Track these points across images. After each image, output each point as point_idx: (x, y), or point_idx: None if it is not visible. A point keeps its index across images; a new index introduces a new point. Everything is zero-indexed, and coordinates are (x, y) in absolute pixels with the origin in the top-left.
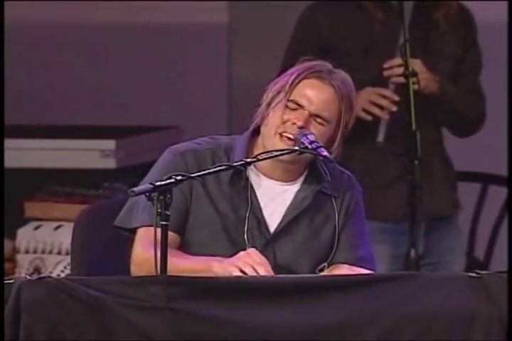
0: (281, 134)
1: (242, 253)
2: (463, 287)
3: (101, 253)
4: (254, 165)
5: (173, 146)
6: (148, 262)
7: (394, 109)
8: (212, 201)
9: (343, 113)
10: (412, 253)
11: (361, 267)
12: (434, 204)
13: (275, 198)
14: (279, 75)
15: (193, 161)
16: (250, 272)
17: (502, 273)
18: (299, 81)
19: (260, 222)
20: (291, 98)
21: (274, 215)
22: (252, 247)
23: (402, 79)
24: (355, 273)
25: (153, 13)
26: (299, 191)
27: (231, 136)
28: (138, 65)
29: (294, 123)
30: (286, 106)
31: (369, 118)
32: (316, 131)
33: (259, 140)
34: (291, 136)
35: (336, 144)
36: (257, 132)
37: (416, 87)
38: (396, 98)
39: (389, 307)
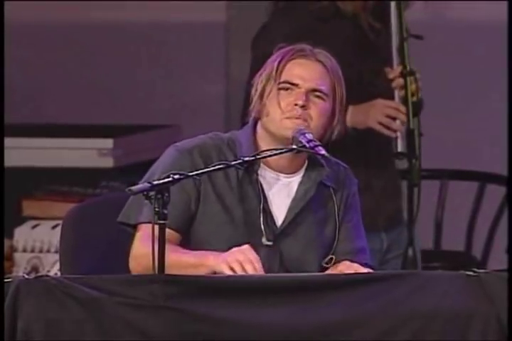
0: (287, 118)
1: (235, 249)
2: (460, 286)
3: (91, 253)
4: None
5: (177, 143)
6: (147, 256)
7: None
8: (219, 196)
9: (336, 86)
10: (410, 251)
11: (360, 257)
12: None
13: (280, 191)
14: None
15: (199, 158)
16: (238, 269)
17: (500, 271)
18: (285, 64)
19: (267, 215)
20: (283, 80)
21: (280, 208)
22: (267, 239)
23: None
24: (354, 270)
25: (151, 12)
26: (301, 183)
27: (230, 132)
28: (136, 63)
29: (296, 104)
30: (280, 90)
31: (387, 132)
32: (317, 109)
33: (261, 132)
34: (299, 117)
35: (335, 120)
36: (255, 125)
37: (415, 99)
38: (404, 111)
39: (386, 307)
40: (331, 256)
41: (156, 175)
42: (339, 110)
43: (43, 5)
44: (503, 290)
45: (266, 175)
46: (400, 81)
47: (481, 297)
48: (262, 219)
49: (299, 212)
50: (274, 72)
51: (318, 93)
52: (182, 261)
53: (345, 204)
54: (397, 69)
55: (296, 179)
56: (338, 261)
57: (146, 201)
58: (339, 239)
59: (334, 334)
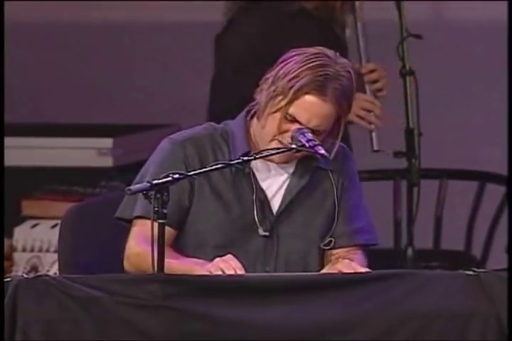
0: (279, 140)
1: (218, 259)
2: (460, 285)
3: (89, 253)
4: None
5: (170, 136)
6: (140, 256)
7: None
8: (216, 190)
9: (343, 115)
10: (409, 251)
11: (358, 238)
12: None
13: (275, 179)
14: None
15: (192, 149)
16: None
17: (499, 271)
18: (301, 95)
19: (264, 204)
20: (291, 112)
21: (275, 196)
22: (263, 230)
23: (378, 86)
24: (353, 269)
25: (150, 12)
26: (295, 169)
27: (223, 122)
28: (135, 63)
29: None
30: (285, 117)
31: (364, 124)
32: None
33: (254, 125)
34: (288, 145)
35: (340, 133)
36: (251, 117)
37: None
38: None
39: (385, 306)
40: (330, 239)
41: (151, 168)
42: (344, 124)
43: (41, 5)
44: (502, 290)
45: (258, 166)
46: (371, 76)
47: (480, 296)
48: (255, 210)
49: (294, 197)
50: (290, 94)
51: (317, 132)
52: (170, 268)
53: (343, 184)
54: (367, 65)
55: (291, 166)
56: (335, 247)
57: (141, 195)
58: (337, 222)
59: (333, 334)
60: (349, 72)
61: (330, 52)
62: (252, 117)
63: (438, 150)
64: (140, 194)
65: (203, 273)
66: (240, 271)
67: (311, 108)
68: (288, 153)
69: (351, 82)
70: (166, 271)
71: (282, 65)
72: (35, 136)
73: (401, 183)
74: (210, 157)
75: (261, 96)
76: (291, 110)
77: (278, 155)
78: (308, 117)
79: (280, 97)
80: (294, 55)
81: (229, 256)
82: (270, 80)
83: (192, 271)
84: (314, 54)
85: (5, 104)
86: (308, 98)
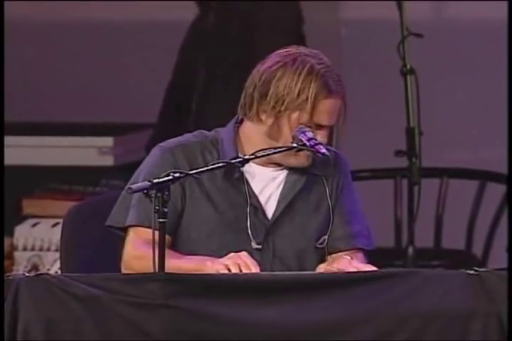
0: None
1: (233, 254)
2: (461, 284)
3: (91, 252)
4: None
5: (160, 143)
6: (142, 259)
7: None
8: (208, 196)
9: (345, 105)
10: (410, 250)
11: (356, 242)
12: None
13: (268, 184)
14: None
15: (182, 156)
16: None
17: (500, 270)
18: (318, 102)
19: (258, 209)
20: (315, 122)
21: (269, 202)
22: (256, 243)
23: None
24: (354, 267)
25: (151, 11)
26: (288, 174)
27: (214, 130)
28: (136, 61)
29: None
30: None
31: None
32: (323, 133)
33: (245, 130)
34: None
35: (343, 118)
36: (241, 122)
37: None
38: None
39: (386, 305)
40: (324, 238)
41: (141, 175)
42: (345, 115)
43: (40, 5)
44: (503, 289)
45: (250, 170)
46: None
47: (481, 296)
48: (249, 217)
49: (289, 203)
50: (308, 108)
51: (327, 127)
52: (180, 266)
53: (337, 190)
54: None
55: (283, 171)
56: (334, 251)
57: (135, 201)
58: (333, 226)
59: (333, 333)
60: (322, 56)
61: (302, 49)
62: (241, 122)
63: (439, 149)
64: (133, 202)
65: (216, 267)
66: (255, 269)
67: (330, 110)
68: (291, 153)
69: (329, 63)
70: (174, 271)
71: (274, 82)
72: (36, 134)
73: (402, 182)
74: (201, 163)
75: (257, 115)
76: (315, 119)
77: (289, 158)
78: (329, 118)
79: (300, 112)
80: (275, 68)
81: (243, 252)
82: (268, 100)
83: (204, 266)
84: (295, 59)
85: (5, 103)
86: (326, 102)
